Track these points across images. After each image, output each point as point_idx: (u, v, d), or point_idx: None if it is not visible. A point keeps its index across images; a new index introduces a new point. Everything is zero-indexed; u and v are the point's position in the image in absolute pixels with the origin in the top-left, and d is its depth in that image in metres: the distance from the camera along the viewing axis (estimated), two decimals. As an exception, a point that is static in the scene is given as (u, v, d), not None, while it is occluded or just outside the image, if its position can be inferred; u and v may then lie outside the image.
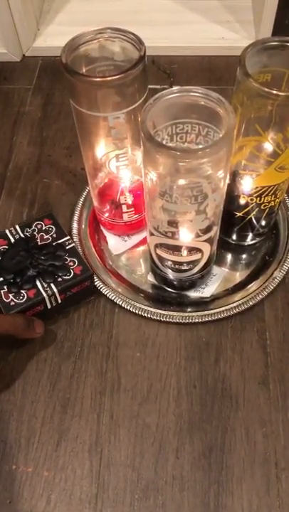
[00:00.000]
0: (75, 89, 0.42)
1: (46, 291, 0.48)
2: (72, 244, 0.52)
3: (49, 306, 0.49)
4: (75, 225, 0.57)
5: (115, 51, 0.44)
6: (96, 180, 0.52)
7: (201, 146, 0.41)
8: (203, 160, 0.36)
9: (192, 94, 0.38)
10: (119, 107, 0.42)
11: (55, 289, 0.48)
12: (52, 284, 0.49)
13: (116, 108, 0.42)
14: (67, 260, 0.51)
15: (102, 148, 0.47)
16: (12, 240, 0.52)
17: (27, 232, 0.53)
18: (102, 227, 0.57)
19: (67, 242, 0.52)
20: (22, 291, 0.48)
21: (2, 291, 0.48)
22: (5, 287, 0.48)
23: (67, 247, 0.52)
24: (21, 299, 0.48)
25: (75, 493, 0.43)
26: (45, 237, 0.52)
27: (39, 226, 0.53)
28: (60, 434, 0.45)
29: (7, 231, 0.53)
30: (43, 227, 0.53)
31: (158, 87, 0.71)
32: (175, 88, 0.38)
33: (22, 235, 0.52)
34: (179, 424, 0.46)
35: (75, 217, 0.58)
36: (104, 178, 0.52)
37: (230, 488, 0.43)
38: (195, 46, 0.74)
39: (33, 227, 0.53)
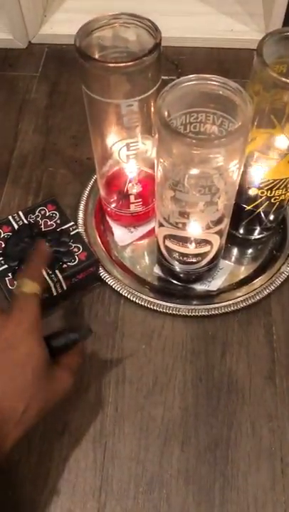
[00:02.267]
0: (88, 75, 0.41)
1: (51, 278, 0.47)
2: (77, 230, 0.51)
3: (54, 293, 0.48)
4: (80, 214, 0.57)
5: (129, 38, 0.43)
6: (104, 169, 0.52)
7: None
8: (218, 150, 0.36)
9: (210, 82, 0.37)
10: (132, 95, 0.42)
11: (60, 276, 0.48)
12: (57, 271, 0.48)
13: (129, 95, 0.42)
14: (71, 246, 0.50)
15: (112, 137, 0.46)
16: (16, 227, 0.51)
17: (30, 218, 0.52)
18: (108, 218, 0.57)
19: (71, 228, 0.51)
20: None
21: (7, 278, 0.47)
22: (9, 274, 0.48)
23: (72, 233, 0.51)
24: None
25: (78, 484, 0.43)
26: (49, 223, 0.52)
27: (42, 212, 0.52)
28: (63, 425, 0.45)
29: (10, 217, 0.52)
30: (47, 213, 0.52)
31: (165, 77, 0.70)
32: (192, 76, 0.37)
33: (25, 221, 0.51)
34: (185, 418, 0.45)
35: (81, 207, 0.57)
36: (112, 168, 0.51)
37: (235, 482, 0.42)
38: (204, 38, 0.73)
39: (37, 213, 0.52)
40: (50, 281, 0.47)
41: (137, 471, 0.43)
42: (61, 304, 0.51)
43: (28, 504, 0.42)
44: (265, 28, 0.71)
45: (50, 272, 0.48)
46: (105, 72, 0.40)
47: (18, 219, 0.52)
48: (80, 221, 0.56)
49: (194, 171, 0.38)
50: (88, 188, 0.58)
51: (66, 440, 0.44)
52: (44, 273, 0.47)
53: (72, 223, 0.52)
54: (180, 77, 0.38)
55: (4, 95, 0.69)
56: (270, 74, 0.38)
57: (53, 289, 0.48)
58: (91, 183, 0.59)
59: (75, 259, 0.49)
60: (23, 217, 0.52)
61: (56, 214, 0.52)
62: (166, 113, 0.37)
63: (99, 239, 0.55)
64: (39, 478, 0.43)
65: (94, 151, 0.49)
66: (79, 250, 0.50)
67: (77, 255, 0.49)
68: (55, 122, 0.66)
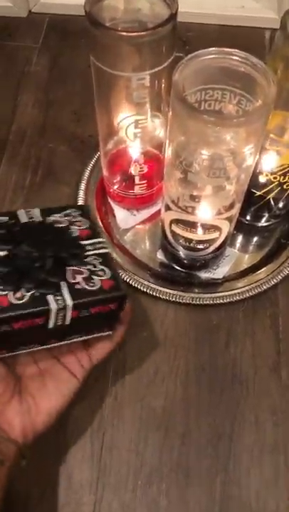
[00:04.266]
0: (98, 44, 0.38)
1: (56, 301, 0.33)
2: (106, 250, 0.38)
3: (50, 325, 0.34)
4: (81, 194, 0.54)
5: (142, 6, 0.40)
6: (108, 147, 0.49)
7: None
8: (237, 130, 0.33)
9: (231, 57, 0.34)
10: (144, 68, 0.39)
11: (68, 300, 0.33)
12: (66, 292, 0.33)
13: (140, 69, 0.39)
14: (96, 267, 0.36)
15: (120, 113, 0.43)
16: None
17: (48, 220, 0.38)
18: (110, 200, 0.54)
19: (99, 245, 0.38)
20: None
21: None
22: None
23: (99, 251, 0.37)
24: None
25: (74, 477, 0.41)
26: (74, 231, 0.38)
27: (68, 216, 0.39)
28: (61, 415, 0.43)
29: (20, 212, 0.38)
30: (72, 219, 0.39)
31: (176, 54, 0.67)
32: (213, 49, 0.34)
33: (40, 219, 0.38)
34: (186, 409, 0.44)
35: (82, 187, 0.55)
36: (117, 146, 0.49)
37: (237, 477, 0.41)
38: (213, 14, 0.70)
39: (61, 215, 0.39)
40: (52, 304, 0.33)
41: (136, 464, 0.41)
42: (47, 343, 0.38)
43: (22, 497, 0.40)
44: (278, 5, 0.68)
45: (56, 292, 0.33)
46: (117, 41, 0.37)
47: (31, 216, 0.38)
48: (81, 202, 0.53)
49: (209, 152, 0.36)
50: (90, 167, 0.56)
51: (62, 430, 0.43)
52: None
53: (102, 239, 0.38)
54: (188, 54, 0.35)
55: (3, 66, 0.66)
56: (293, 50, 0.36)
57: (52, 318, 0.33)
58: (93, 161, 0.56)
59: (94, 284, 0.35)
60: (38, 215, 0.38)
61: (85, 221, 0.39)
62: (181, 87, 0.34)
63: (100, 221, 0.53)
64: (33, 469, 0.41)
65: (99, 127, 0.47)
66: (104, 275, 0.35)
67: (100, 280, 0.35)
68: (56, 97, 0.63)
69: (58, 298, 0.33)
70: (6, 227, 0.37)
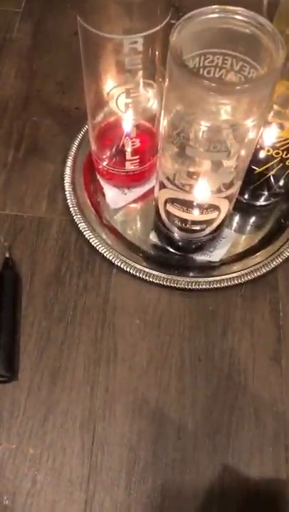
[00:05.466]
0: (86, 3, 0.34)
1: None
2: None
3: None
4: (67, 171, 0.50)
5: None
6: (97, 120, 0.45)
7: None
8: (240, 98, 0.30)
9: (235, 16, 0.31)
10: (137, 30, 0.35)
11: None
12: None
13: (132, 31, 0.35)
14: None
15: (110, 81, 0.39)
16: None
17: None
18: (99, 177, 0.51)
19: None
20: None
21: None
22: None
23: None
24: None
25: (64, 473, 0.38)
26: None
27: None
28: (48, 408, 0.40)
29: None
30: None
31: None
32: (215, 7, 0.30)
33: None
34: (182, 401, 0.41)
35: (68, 163, 0.51)
36: (107, 118, 0.45)
37: (236, 472, 0.39)
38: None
39: None
40: None
41: (129, 459, 0.39)
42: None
43: (9, 495, 0.37)
44: None
45: None
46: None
47: None
48: (68, 179, 0.50)
49: (208, 123, 0.32)
50: (77, 142, 0.52)
51: (51, 424, 0.40)
52: None
53: None
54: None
55: (-18, 33, 0.61)
56: (303, 9, 0.32)
57: None
58: (80, 136, 0.52)
59: None
60: None
61: None
62: (179, 51, 0.31)
63: (88, 200, 0.49)
64: (21, 466, 0.38)
65: (86, 97, 0.43)
66: None
67: None
68: (40, 66, 0.59)
69: None
70: None
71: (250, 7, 0.32)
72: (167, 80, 0.31)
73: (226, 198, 0.39)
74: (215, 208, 0.40)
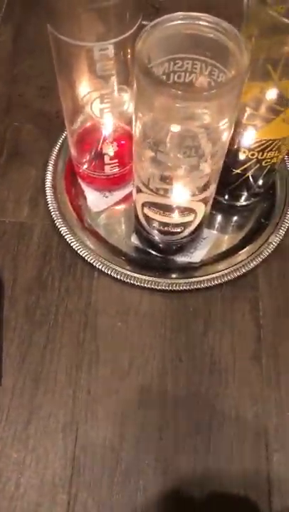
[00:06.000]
0: (55, 11, 0.34)
1: None
2: None
3: None
4: (48, 176, 0.51)
5: None
6: (75, 125, 0.46)
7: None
8: (208, 104, 0.30)
9: (199, 22, 0.31)
10: (107, 36, 0.35)
11: None
12: None
13: (102, 38, 0.35)
14: None
15: (83, 87, 0.40)
16: None
17: None
18: (80, 181, 0.51)
19: None
20: None
21: None
22: None
23: None
24: None
25: (47, 476, 0.39)
26: None
27: None
28: (30, 412, 0.41)
29: None
30: None
31: (145, 23, 0.63)
32: (179, 13, 0.31)
33: None
34: (163, 402, 0.42)
35: (49, 168, 0.51)
36: (84, 123, 0.45)
37: (217, 471, 0.39)
38: (188, -22, 0.65)
39: None
40: None
41: (111, 461, 0.40)
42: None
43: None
44: None
45: None
46: (75, 6, 0.33)
47: None
48: (49, 184, 0.50)
49: (178, 129, 0.32)
50: (58, 146, 0.52)
51: (33, 428, 0.40)
52: None
53: None
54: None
55: None
56: (269, 14, 0.32)
57: None
58: (61, 140, 0.52)
59: None
60: None
61: None
62: (146, 58, 0.31)
63: (70, 204, 0.50)
64: (4, 470, 0.39)
65: (63, 104, 0.43)
66: None
67: None
68: (22, 70, 0.59)
69: None
70: None
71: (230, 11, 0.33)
72: (135, 87, 0.32)
73: (202, 200, 0.39)
74: (191, 210, 0.40)
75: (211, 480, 0.39)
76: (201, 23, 0.31)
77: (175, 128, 0.32)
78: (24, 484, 0.39)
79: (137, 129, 0.35)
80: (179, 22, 0.31)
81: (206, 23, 0.31)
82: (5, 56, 0.60)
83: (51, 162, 0.51)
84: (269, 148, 0.42)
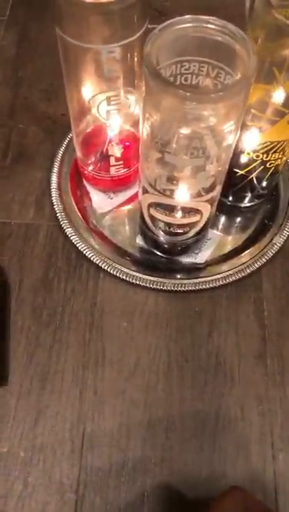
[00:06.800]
0: (63, 14, 0.35)
1: None
2: None
3: None
4: (54, 178, 0.51)
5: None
6: (81, 127, 0.46)
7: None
8: (216, 105, 0.31)
9: (208, 26, 0.31)
10: (114, 39, 0.36)
11: None
12: None
13: (110, 40, 0.36)
14: None
15: (90, 89, 0.40)
16: None
17: None
18: (85, 182, 0.51)
19: None
20: None
21: None
22: None
23: None
24: None
25: (54, 475, 0.39)
26: None
27: None
28: (38, 412, 0.41)
29: None
30: None
31: (149, 26, 0.63)
32: (188, 17, 0.31)
33: None
34: (169, 402, 0.42)
35: (55, 170, 0.52)
36: (90, 125, 0.46)
37: (222, 470, 0.40)
38: (190, -18, 0.66)
39: None
40: None
41: (118, 460, 0.40)
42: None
43: (1, 498, 0.38)
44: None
45: None
46: (83, 10, 0.34)
47: None
48: (54, 185, 0.51)
49: (186, 130, 0.33)
50: (63, 148, 0.53)
51: (41, 427, 0.41)
52: None
53: None
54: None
55: None
56: (275, 17, 0.33)
57: None
58: (66, 142, 0.53)
59: None
60: None
61: None
62: (155, 60, 0.31)
63: (75, 205, 0.50)
64: (12, 469, 0.39)
65: (69, 105, 0.43)
66: None
67: None
68: (26, 74, 0.59)
69: None
70: None
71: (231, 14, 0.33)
72: (144, 89, 0.32)
73: (207, 201, 0.40)
74: (196, 211, 0.41)
75: (217, 479, 0.40)
76: (209, 26, 0.31)
77: (182, 130, 0.33)
78: (32, 483, 0.39)
79: (144, 130, 0.35)
80: (188, 25, 0.32)
81: (214, 26, 0.31)
82: (9, 59, 0.60)
83: (56, 164, 0.52)
84: (273, 150, 0.42)
